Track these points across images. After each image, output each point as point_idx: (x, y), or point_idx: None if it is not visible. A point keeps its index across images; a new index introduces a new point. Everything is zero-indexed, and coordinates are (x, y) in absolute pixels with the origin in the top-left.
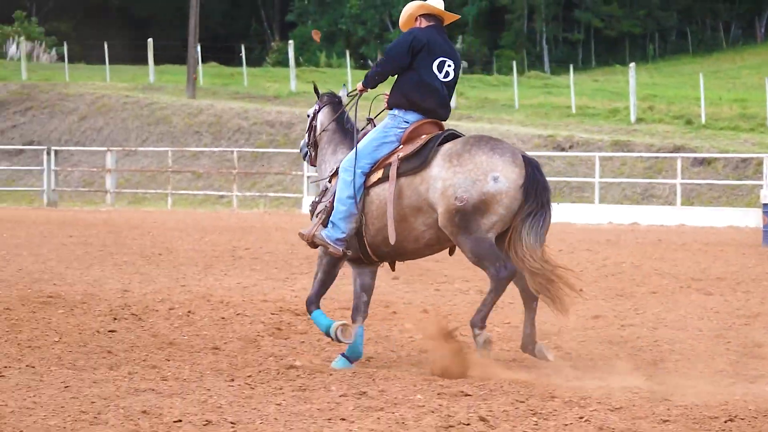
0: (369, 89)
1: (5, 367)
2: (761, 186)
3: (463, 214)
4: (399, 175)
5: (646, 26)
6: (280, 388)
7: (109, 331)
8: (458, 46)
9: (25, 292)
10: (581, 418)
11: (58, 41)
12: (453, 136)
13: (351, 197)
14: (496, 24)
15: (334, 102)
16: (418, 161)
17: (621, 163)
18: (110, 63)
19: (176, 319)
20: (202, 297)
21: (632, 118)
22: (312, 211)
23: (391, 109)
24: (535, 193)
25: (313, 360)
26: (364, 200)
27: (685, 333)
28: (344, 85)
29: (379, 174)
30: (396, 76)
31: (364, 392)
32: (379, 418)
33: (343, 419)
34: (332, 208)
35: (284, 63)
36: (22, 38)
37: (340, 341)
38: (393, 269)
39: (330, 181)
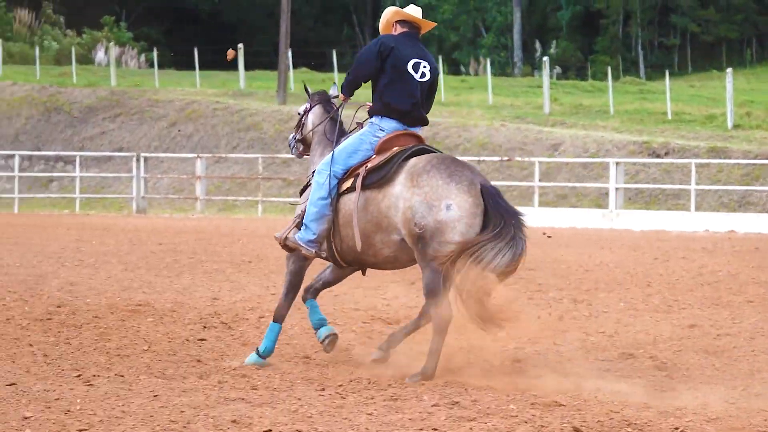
0: (349, 98)
1: (94, 375)
2: None
3: (422, 239)
4: (364, 187)
5: (743, 31)
6: (372, 398)
7: (199, 340)
8: (552, 51)
9: (114, 301)
10: (676, 428)
11: (147, 47)
12: (422, 151)
13: (323, 198)
14: (590, 29)
15: (324, 101)
16: (381, 174)
17: (717, 170)
18: (200, 69)
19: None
20: (292, 305)
21: (729, 124)
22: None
23: (371, 116)
24: (501, 217)
25: (405, 369)
26: (335, 206)
27: None
28: (333, 83)
29: (348, 183)
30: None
31: (457, 402)
32: (471, 429)
33: (435, 429)
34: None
35: None
36: (111, 44)
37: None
38: (363, 274)
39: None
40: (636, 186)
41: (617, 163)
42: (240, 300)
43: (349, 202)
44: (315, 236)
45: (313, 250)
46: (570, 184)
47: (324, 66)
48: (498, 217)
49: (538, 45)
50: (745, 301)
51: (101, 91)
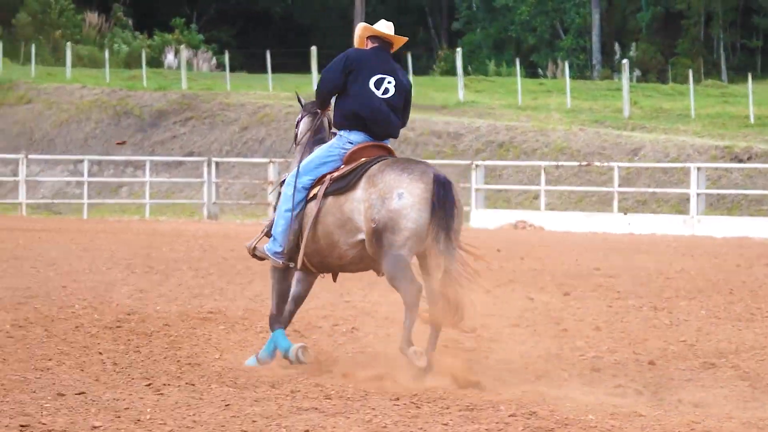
0: (324, 110)
1: (165, 384)
2: None
3: (377, 232)
4: (326, 194)
5: None
6: (447, 408)
7: None
8: (631, 53)
9: (185, 308)
10: None
11: (218, 49)
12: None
13: (289, 210)
14: (671, 30)
15: (312, 112)
16: (344, 182)
17: None
18: (272, 72)
19: (340, 335)
20: (366, 313)
21: None
22: None
23: (338, 129)
24: (442, 205)
25: (481, 378)
26: (302, 214)
27: None
28: (296, 94)
29: (315, 191)
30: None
31: (534, 412)
32: None
33: None
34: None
35: (452, 72)
36: (182, 47)
37: (300, 362)
38: (334, 280)
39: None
40: (718, 191)
41: (698, 168)
42: (313, 308)
43: (315, 208)
44: (281, 248)
45: (281, 261)
46: (650, 190)
47: None
48: (440, 206)
49: (617, 47)
50: None
51: (172, 95)
